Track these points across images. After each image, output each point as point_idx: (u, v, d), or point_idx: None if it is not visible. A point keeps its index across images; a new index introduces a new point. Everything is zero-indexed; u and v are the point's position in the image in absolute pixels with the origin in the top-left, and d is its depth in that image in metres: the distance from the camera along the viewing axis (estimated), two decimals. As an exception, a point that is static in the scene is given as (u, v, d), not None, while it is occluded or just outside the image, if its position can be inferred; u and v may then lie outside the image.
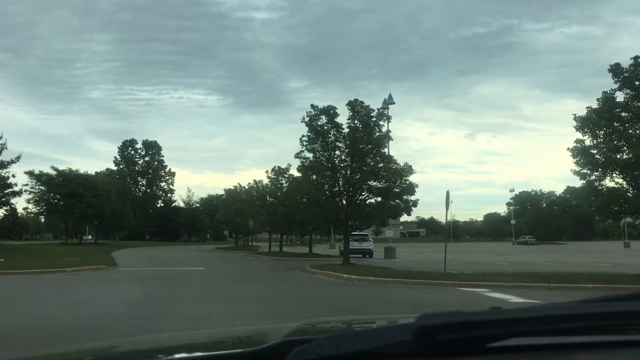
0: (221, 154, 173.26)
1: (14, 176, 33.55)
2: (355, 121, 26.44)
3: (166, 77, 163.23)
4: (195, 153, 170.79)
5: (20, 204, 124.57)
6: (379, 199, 27.24)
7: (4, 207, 36.33)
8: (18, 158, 34.74)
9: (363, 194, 26.84)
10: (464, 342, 1.10)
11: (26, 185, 57.38)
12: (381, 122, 26.55)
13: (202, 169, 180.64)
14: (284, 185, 40.46)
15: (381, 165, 26.31)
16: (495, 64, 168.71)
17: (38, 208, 63.07)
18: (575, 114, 19.80)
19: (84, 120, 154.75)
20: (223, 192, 68.45)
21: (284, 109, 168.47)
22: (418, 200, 26.21)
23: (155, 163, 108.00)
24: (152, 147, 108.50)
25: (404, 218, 45.30)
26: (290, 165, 40.39)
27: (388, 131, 26.55)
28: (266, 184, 42.65)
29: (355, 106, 26.45)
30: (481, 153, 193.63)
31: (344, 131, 26.49)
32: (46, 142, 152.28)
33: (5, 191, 33.26)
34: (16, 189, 34.18)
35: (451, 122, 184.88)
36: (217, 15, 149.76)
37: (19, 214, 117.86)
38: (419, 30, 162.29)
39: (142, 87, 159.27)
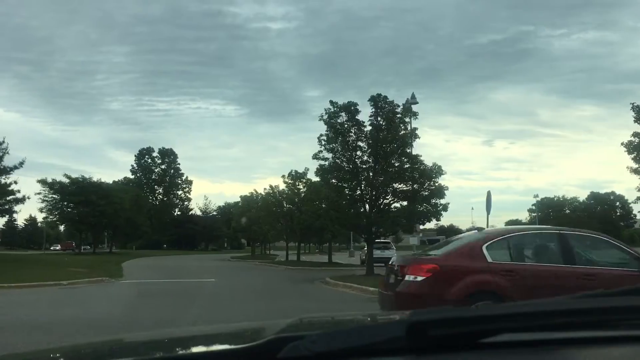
0: (239, 163, 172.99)
1: (15, 182, 31.95)
2: (379, 118, 24.23)
3: (184, 88, 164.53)
4: (213, 162, 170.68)
5: (33, 212, 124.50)
6: (404, 203, 24.90)
7: (6, 215, 34.52)
8: (21, 164, 33.21)
9: (387, 197, 24.55)
10: (456, 338, 1.11)
11: (38, 193, 56.14)
12: (406, 119, 24.25)
13: (221, 178, 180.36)
14: (302, 190, 38.35)
15: (407, 166, 23.99)
16: (511, 71, 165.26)
17: (52, 217, 61.58)
18: (633, 103, 17.31)
19: (104, 131, 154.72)
20: (236, 201, 66.54)
21: (300, 118, 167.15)
22: (449, 204, 23.81)
23: (172, 171, 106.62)
24: (168, 155, 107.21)
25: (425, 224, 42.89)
26: (308, 170, 38.30)
27: (414, 129, 24.22)
28: (282, 190, 40.49)
29: (378, 102, 24.24)
30: (499, 160, 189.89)
31: (366, 129, 24.29)
32: (67, 153, 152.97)
33: (7, 198, 31.65)
34: (19, 195, 32.49)
35: (467, 129, 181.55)
36: (233, 26, 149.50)
37: (39, 224, 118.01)
38: (434, 37, 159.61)
39: (161, 98, 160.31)
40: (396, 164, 23.91)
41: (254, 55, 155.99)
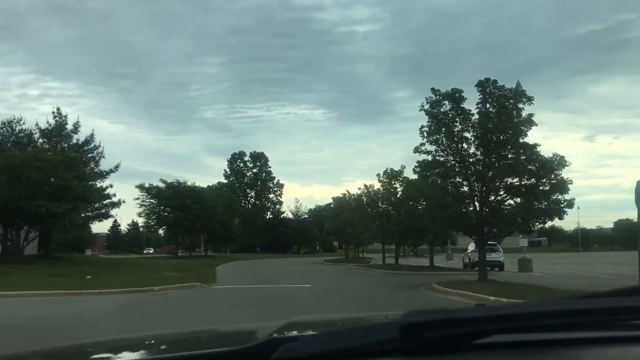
0: (328, 166, 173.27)
1: (111, 186, 32.13)
2: (487, 105, 21.64)
3: (274, 94, 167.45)
4: (303, 166, 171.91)
5: (135, 217, 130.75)
6: (519, 199, 22.06)
7: (103, 219, 34.94)
8: (117, 167, 33.53)
9: (499, 193, 21.86)
10: (450, 339, 1.10)
11: (137, 198, 57.59)
12: (520, 105, 21.46)
13: (311, 182, 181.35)
14: (398, 189, 36.10)
15: (523, 157, 21.20)
16: (612, 62, 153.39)
17: (150, 221, 63.04)
18: None
19: (200, 138, 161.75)
20: (328, 203, 65.15)
21: (388, 120, 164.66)
22: (574, 200, 20.75)
23: (263, 174, 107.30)
24: (260, 159, 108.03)
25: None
26: (404, 167, 36.08)
27: (530, 115, 21.36)
28: (378, 189, 38.36)
29: (486, 87, 21.66)
30: (602, 156, 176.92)
31: (473, 118, 21.79)
32: (166, 161, 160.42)
33: (104, 202, 31.91)
34: (115, 199, 32.68)
35: (566, 125, 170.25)
36: (321, 31, 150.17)
37: (140, 228, 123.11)
38: (528, 31, 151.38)
39: (252, 105, 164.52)
40: (509, 156, 21.19)
41: (342, 59, 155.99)
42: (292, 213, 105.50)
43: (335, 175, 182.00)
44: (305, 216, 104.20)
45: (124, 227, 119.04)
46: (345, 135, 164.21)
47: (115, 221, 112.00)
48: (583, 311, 1.15)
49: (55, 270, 24.31)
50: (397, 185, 36.15)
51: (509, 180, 21.52)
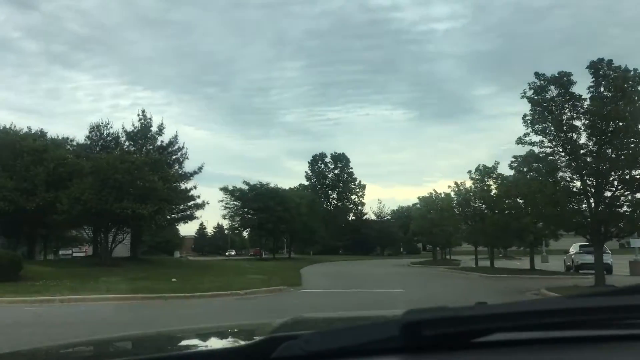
0: (409, 166, 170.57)
1: (195, 187, 31.90)
2: (601, 89, 19.21)
3: (353, 96, 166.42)
4: (384, 167, 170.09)
5: (220, 220, 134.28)
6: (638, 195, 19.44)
7: (188, 221, 34.91)
8: (200, 169, 33.39)
9: (617, 188, 19.35)
10: (450, 337, 1.11)
11: (221, 201, 58.06)
12: (640, 88, 18.87)
13: (391, 183, 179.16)
14: (492, 187, 33.69)
15: (645, 146, 18.61)
16: None
17: (234, 223, 63.49)
18: None
19: (280, 142, 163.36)
20: (414, 203, 62.95)
21: (471, 118, 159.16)
22: None
23: (345, 175, 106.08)
24: (341, 160, 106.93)
25: None
26: (498, 164, 33.65)
27: (654, 98, 18.71)
28: (469, 187, 36.00)
29: (600, 69, 19.23)
30: None
31: (585, 104, 19.41)
32: (249, 165, 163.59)
33: (188, 204, 31.73)
34: (199, 201, 32.45)
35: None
36: (399, 31, 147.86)
37: (225, 231, 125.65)
38: (619, 21, 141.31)
39: (331, 108, 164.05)
40: (631, 145, 18.65)
41: (421, 58, 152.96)
42: (375, 214, 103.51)
43: (417, 175, 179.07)
44: (388, 217, 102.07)
45: (209, 230, 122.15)
46: (426, 134, 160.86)
47: (201, 224, 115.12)
48: (583, 309, 1.15)
49: (141, 272, 24.07)
50: (491, 183, 33.76)
51: (632, 172, 18.95)
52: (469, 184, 35.77)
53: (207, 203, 34.03)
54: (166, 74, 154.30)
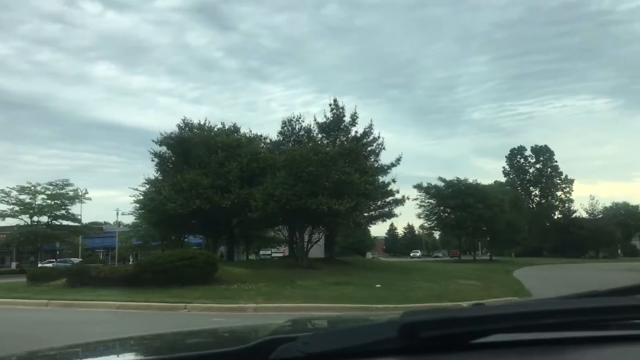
0: (614, 161, 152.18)
1: (394, 181, 28.67)
2: None
3: (546, 87, 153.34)
4: (584, 162, 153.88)
5: (410, 220, 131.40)
6: None
7: (386, 219, 31.84)
8: (398, 160, 30.08)
9: None
10: (448, 338, 1.11)
11: (416, 199, 54.66)
12: None
13: (594, 179, 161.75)
14: None
15: None
16: None
17: (429, 223, 59.56)
18: None
19: (468, 140, 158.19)
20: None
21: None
22: None
23: (549, 170, 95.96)
24: (543, 153, 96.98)
25: None
26: None
27: None
28: None
29: None
30: None
31: None
32: (435, 165, 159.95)
33: (387, 199, 28.64)
34: (398, 196, 29.19)
35: None
36: (599, 12, 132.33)
37: (416, 232, 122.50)
38: None
39: (522, 101, 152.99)
40: None
41: (626, 40, 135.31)
42: (587, 212, 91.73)
43: (625, 170, 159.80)
44: (600, 215, 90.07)
45: (400, 231, 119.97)
46: (635, 124, 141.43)
47: (391, 224, 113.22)
48: (581, 310, 1.15)
49: (340, 276, 21.46)
50: None
51: None
52: None
53: (408, 198, 30.68)
54: (351, 80, 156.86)
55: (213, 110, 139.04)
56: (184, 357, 1.50)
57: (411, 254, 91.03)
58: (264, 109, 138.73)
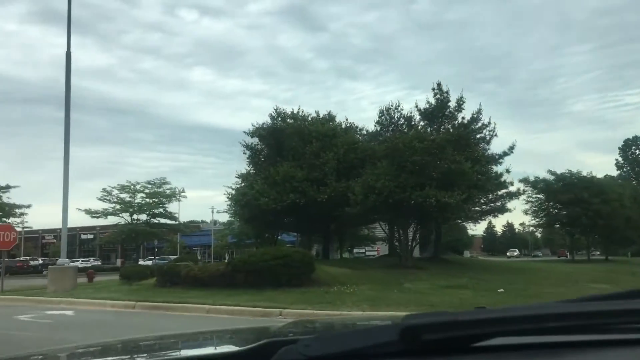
0: None
1: (508, 172, 25.60)
2: None
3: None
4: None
5: (509, 218, 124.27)
6: None
7: (498, 215, 28.73)
8: (512, 149, 26.96)
9: None
10: (450, 341, 1.10)
11: (522, 193, 50.34)
12: None
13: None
14: None
15: None
16: None
17: (537, 219, 54.88)
18: None
19: (570, 134, 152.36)
20: None
21: None
22: None
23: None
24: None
25: None
26: None
27: None
28: None
29: None
30: None
31: None
32: (535, 160, 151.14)
33: (499, 192, 25.63)
34: (512, 189, 26.08)
35: None
36: None
37: (516, 230, 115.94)
38: None
39: (630, 91, 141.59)
40: None
41: None
42: None
43: None
44: None
45: (498, 229, 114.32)
46: None
47: (489, 222, 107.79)
48: (582, 314, 1.14)
49: (451, 278, 18.99)
50: None
51: None
52: None
53: (523, 192, 27.46)
54: (443, 75, 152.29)
55: (305, 111, 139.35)
56: (185, 358, 1.51)
57: (508, 253, 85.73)
58: (355, 108, 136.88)
